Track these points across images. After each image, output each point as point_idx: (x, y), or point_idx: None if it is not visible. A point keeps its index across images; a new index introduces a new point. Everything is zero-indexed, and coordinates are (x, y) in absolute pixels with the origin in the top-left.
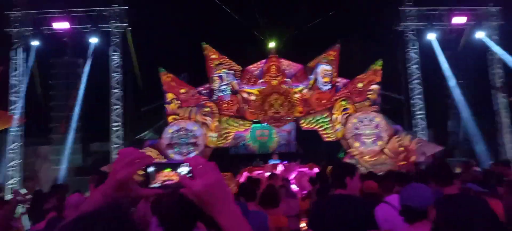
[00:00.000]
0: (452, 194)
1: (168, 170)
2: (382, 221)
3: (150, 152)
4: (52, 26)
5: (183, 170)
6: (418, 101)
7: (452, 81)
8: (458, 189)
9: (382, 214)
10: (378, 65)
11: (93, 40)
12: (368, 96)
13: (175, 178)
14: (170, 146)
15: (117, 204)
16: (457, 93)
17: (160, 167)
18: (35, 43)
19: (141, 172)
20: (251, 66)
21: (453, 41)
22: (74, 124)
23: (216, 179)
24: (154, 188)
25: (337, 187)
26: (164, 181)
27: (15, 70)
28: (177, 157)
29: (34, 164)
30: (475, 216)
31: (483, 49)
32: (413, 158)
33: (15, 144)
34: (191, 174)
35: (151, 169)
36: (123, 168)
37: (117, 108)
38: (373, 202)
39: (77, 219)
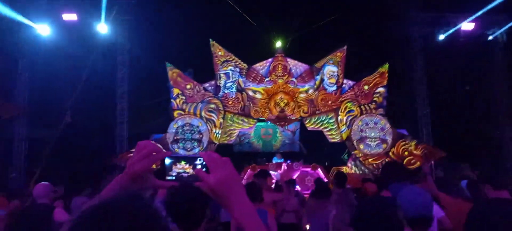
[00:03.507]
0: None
1: (184, 162)
2: None
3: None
4: (60, 17)
5: (199, 163)
6: (424, 106)
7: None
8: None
9: None
10: (384, 68)
11: (100, 32)
12: (374, 99)
13: (190, 171)
14: (175, 141)
15: (137, 192)
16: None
17: (176, 160)
18: (42, 32)
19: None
20: (257, 64)
21: (461, 47)
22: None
23: (230, 173)
24: (170, 180)
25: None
26: (179, 173)
27: (21, 59)
28: (182, 152)
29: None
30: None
31: (491, 55)
32: (417, 164)
33: (20, 134)
34: (205, 168)
35: (167, 162)
36: (140, 160)
37: (122, 102)
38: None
39: (97, 205)
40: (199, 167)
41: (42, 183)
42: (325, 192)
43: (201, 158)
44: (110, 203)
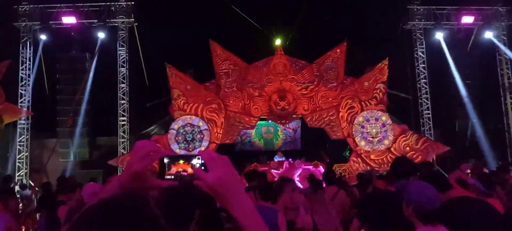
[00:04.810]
0: (459, 197)
1: (182, 161)
2: None
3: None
4: (59, 20)
5: (197, 162)
6: (425, 101)
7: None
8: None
9: None
10: (384, 64)
11: (101, 35)
12: (375, 94)
13: (189, 170)
14: (176, 141)
15: (134, 192)
16: (464, 94)
17: (174, 159)
18: (42, 37)
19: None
20: (257, 62)
21: (462, 40)
22: (81, 117)
23: (229, 172)
24: (169, 179)
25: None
26: (178, 172)
27: (22, 63)
28: (183, 152)
29: (41, 157)
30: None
31: (492, 49)
32: (419, 158)
33: (22, 137)
34: (203, 167)
35: (166, 161)
36: (139, 160)
37: (123, 103)
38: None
39: (97, 204)
40: (198, 165)
41: (91, 182)
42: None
43: (200, 157)
44: (109, 202)
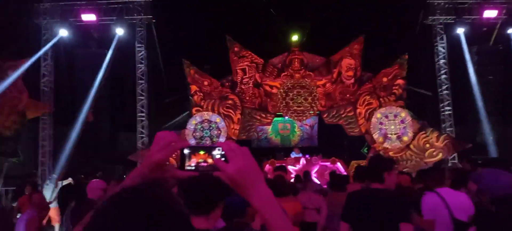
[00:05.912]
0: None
1: (202, 152)
2: (427, 208)
3: None
4: (79, 17)
5: (217, 153)
6: (445, 97)
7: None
8: None
9: (429, 201)
10: (404, 59)
11: (119, 31)
12: (394, 91)
13: (209, 160)
14: (194, 136)
15: (155, 181)
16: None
17: (194, 150)
18: (62, 34)
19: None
20: (273, 59)
21: (484, 34)
22: (101, 113)
23: (249, 163)
24: (189, 170)
25: (374, 181)
26: (199, 162)
27: (44, 60)
28: None
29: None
30: None
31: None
32: (439, 156)
33: (45, 132)
34: (224, 158)
35: (186, 151)
36: (159, 150)
37: (142, 99)
38: (408, 196)
39: (120, 192)
40: (218, 156)
41: (95, 179)
42: (341, 185)
43: (220, 148)
44: (131, 191)
